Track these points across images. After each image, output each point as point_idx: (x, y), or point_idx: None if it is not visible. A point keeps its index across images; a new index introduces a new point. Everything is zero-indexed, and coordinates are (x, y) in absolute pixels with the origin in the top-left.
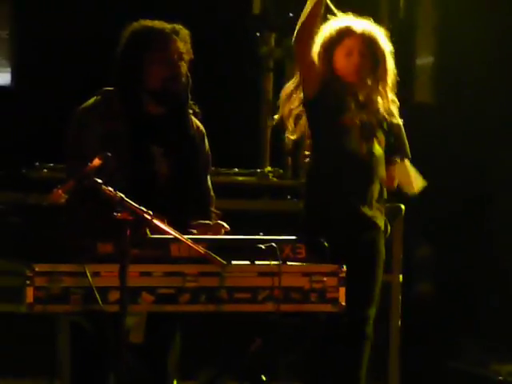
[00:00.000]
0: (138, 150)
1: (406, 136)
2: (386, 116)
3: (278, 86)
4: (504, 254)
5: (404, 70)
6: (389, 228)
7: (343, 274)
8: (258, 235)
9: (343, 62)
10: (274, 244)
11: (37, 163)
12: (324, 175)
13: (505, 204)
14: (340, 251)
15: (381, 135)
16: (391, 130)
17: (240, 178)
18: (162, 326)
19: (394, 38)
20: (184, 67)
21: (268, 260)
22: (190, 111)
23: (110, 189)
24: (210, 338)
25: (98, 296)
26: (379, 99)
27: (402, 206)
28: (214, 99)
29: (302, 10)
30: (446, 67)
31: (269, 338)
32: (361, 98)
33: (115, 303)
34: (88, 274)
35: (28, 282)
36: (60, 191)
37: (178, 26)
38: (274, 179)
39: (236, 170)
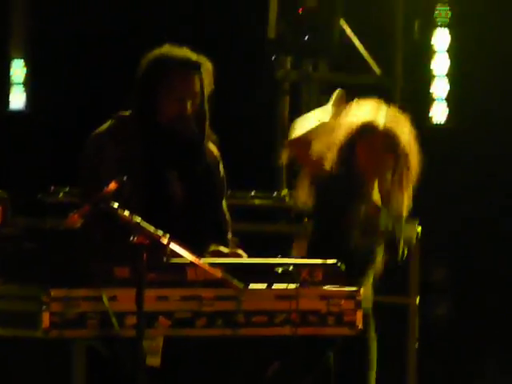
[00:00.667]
0: (153, 173)
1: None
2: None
3: (294, 109)
4: None
5: (419, 92)
6: (406, 250)
7: (360, 297)
8: (275, 258)
9: (364, 158)
10: (291, 267)
11: (52, 188)
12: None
13: None
14: None
15: (382, 231)
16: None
17: (257, 201)
18: (179, 350)
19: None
20: (195, 104)
21: (285, 283)
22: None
23: (126, 213)
24: (226, 363)
25: (114, 321)
26: (399, 198)
27: (419, 229)
28: (231, 122)
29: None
30: (461, 89)
31: (286, 362)
32: (377, 194)
33: (132, 328)
34: (105, 299)
35: (44, 307)
36: (76, 216)
37: (203, 59)
38: (291, 202)
39: (253, 193)
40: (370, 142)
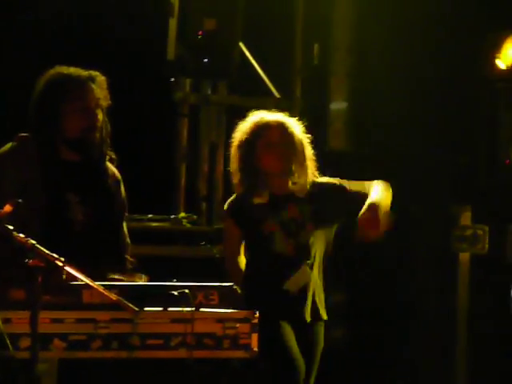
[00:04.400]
0: (53, 197)
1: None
2: (314, 191)
3: (193, 132)
4: (418, 298)
5: (318, 116)
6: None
7: (255, 320)
8: (171, 281)
9: (265, 153)
10: (186, 290)
11: None
12: (257, 275)
13: (420, 248)
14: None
15: (309, 222)
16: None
17: (154, 224)
18: (74, 373)
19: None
20: (101, 115)
21: (181, 306)
22: (107, 157)
23: (22, 235)
24: None
25: (8, 342)
26: (305, 185)
27: None
28: (129, 144)
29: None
30: (360, 112)
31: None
32: (285, 189)
33: (26, 350)
34: None
35: None
36: None
37: (95, 73)
38: (188, 225)
39: (150, 215)
40: (267, 138)
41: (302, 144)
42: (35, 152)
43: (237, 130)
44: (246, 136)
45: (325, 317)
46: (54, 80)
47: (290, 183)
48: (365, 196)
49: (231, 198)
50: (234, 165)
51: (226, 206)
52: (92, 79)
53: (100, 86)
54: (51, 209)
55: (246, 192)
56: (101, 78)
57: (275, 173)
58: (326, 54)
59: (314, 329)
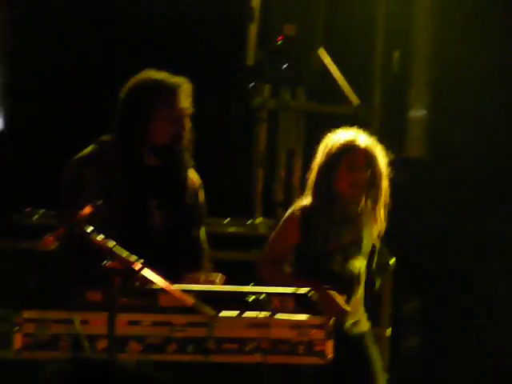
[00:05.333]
0: (133, 201)
1: (398, 191)
2: (376, 236)
3: (271, 137)
4: (493, 307)
5: (397, 123)
6: (378, 282)
7: (331, 327)
8: (248, 286)
9: (344, 175)
10: (263, 295)
11: (27, 209)
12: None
13: (495, 257)
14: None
15: (365, 251)
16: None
17: (231, 229)
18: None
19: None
20: (188, 123)
21: (257, 311)
22: (188, 164)
23: (100, 237)
24: None
25: (86, 344)
26: (372, 218)
27: (391, 261)
28: (207, 149)
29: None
30: (439, 120)
31: None
32: (353, 213)
33: (103, 351)
34: (76, 322)
35: (16, 328)
36: (51, 238)
37: (182, 80)
38: (265, 230)
39: (227, 220)
40: (352, 159)
41: (381, 176)
42: (116, 155)
43: (323, 142)
44: (330, 153)
45: (365, 328)
46: (146, 84)
47: (359, 208)
48: None
49: (302, 203)
50: (312, 176)
51: (296, 211)
52: (180, 86)
53: (186, 94)
54: (131, 212)
55: (317, 204)
56: (187, 86)
57: (348, 198)
58: (405, 62)
59: (365, 343)
